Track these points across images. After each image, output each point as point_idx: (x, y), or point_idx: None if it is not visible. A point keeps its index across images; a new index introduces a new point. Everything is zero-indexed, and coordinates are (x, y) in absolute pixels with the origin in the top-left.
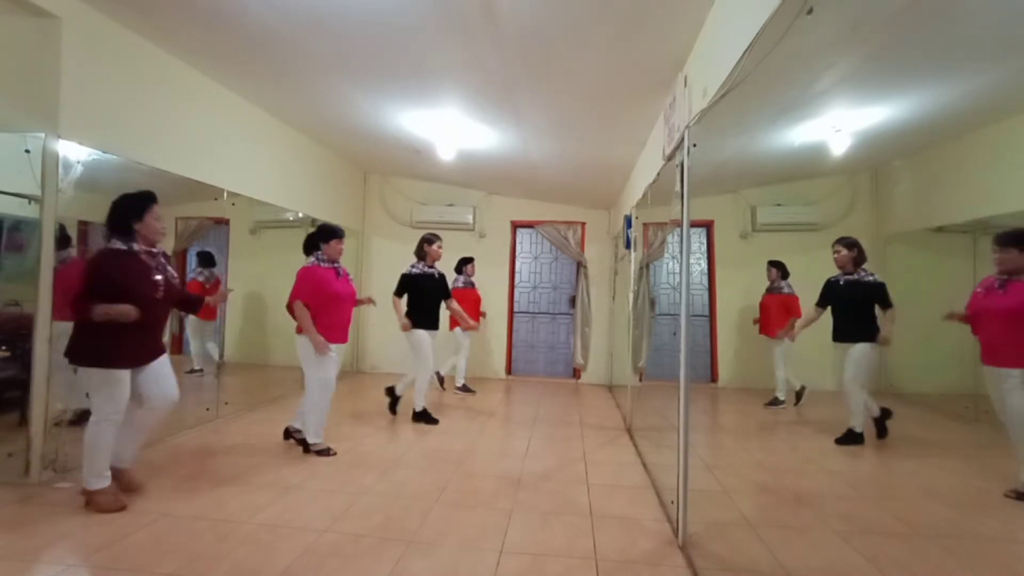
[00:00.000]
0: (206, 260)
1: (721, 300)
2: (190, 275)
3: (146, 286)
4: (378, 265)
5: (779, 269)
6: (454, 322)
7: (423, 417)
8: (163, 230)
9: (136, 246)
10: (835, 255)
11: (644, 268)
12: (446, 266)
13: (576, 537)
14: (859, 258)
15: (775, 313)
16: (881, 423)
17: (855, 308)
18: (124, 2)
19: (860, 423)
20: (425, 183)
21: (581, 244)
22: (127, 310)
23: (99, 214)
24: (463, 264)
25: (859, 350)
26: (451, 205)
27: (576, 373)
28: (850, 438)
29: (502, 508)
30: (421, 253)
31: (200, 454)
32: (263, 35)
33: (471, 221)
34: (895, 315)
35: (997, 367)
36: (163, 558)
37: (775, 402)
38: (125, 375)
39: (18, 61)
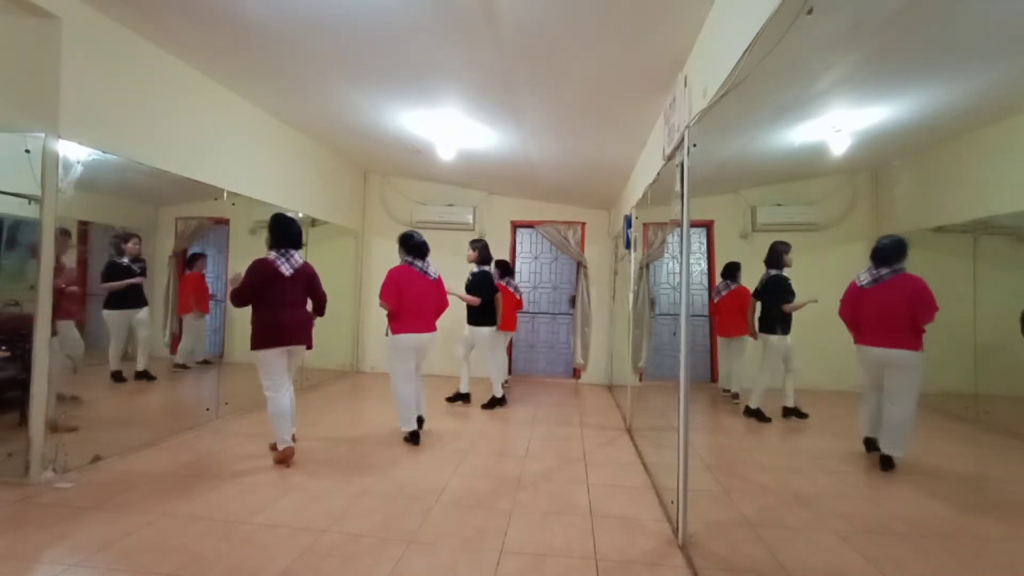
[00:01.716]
0: None
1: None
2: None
3: None
4: (378, 265)
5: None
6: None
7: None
8: None
9: None
10: None
11: (644, 268)
12: (444, 267)
13: (576, 537)
14: (767, 260)
15: (727, 313)
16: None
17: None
18: (124, 2)
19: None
20: (425, 183)
21: (581, 244)
22: None
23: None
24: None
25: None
26: (451, 205)
27: (576, 373)
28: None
29: (502, 508)
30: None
31: (200, 454)
32: (263, 35)
33: (471, 221)
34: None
35: None
36: (163, 558)
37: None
38: None
39: (18, 61)
